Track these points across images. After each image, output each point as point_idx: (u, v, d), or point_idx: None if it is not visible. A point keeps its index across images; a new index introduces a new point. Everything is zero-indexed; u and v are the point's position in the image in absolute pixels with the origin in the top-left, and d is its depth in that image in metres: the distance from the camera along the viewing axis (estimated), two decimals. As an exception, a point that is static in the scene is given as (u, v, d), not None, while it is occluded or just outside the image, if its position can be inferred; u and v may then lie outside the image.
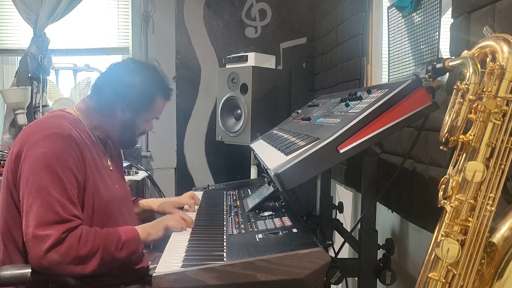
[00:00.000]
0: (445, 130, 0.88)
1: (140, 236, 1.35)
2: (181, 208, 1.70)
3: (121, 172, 1.63)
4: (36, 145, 1.24)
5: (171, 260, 1.12)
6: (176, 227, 1.40)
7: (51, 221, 1.18)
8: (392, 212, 1.74)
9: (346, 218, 2.29)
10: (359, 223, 1.26)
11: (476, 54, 0.91)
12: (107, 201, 1.37)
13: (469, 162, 0.85)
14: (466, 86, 0.86)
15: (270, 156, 1.42)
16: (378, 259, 1.28)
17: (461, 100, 0.87)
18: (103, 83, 1.45)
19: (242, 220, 1.44)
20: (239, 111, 2.64)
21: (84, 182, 1.30)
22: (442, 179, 0.91)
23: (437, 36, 1.60)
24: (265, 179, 1.76)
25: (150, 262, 1.57)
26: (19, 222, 1.26)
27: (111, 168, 1.50)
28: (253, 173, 2.81)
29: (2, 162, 2.46)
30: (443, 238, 0.86)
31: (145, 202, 1.73)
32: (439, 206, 0.90)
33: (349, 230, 1.80)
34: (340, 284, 1.20)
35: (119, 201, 1.45)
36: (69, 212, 1.22)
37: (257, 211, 1.53)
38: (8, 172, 1.29)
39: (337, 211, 1.89)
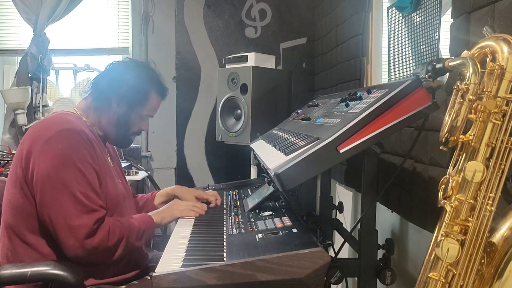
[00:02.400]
0: (445, 130, 0.88)
1: (155, 220, 1.47)
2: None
3: (121, 170, 1.66)
4: (51, 141, 1.27)
5: (171, 260, 1.12)
6: (187, 214, 1.52)
7: (81, 212, 1.24)
8: (392, 212, 1.74)
9: (346, 218, 2.29)
10: (359, 223, 1.26)
11: (476, 54, 0.91)
12: (114, 194, 1.41)
13: (469, 162, 0.85)
14: (466, 86, 0.86)
15: (270, 156, 1.42)
16: (378, 259, 1.28)
17: (461, 100, 0.87)
18: (100, 79, 1.49)
19: (242, 220, 1.44)
20: (239, 111, 2.64)
21: (99, 173, 1.35)
22: (442, 179, 0.92)
23: (437, 36, 1.61)
24: (265, 179, 1.76)
25: (149, 259, 1.57)
26: (30, 216, 1.29)
27: (112, 165, 1.53)
28: (253, 173, 2.81)
29: (1, 162, 2.46)
30: (443, 238, 0.86)
31: (169, 190, 1.78)
32: (439, 206, 0.91)
33: (349, 230, 1.80)
34: (340, 284, 1.20)
35: (124, 196, 1.50)
36: (95, 202, 1.28)
37: (257, 211, 1.53)
38: (18, 168, 1.31)
39: (337, 211, 1.89)
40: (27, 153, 1.28)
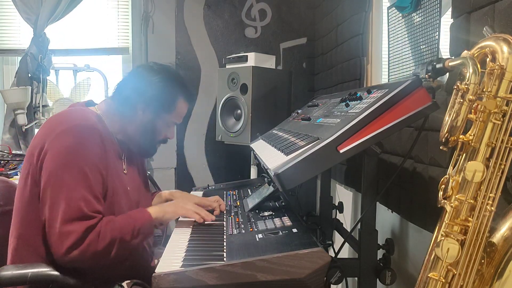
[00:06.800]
0: (445, 130, 0.88)
1: (155, 215, 1.36)
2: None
3: (142, 178, 1.60)
4: (60, 136, 1.24)
5: (171, 259, 1.12)
6: (191, 215, 1.43)
7: (74, 217, 1.19)
8: (392, 212, 1.74)
9: (346, 218, 2.29)
10: (359, 223, 1.26)
11: (476, 54, 0.91)
12: (119, 200, 1.36)
13: (469, 162, 0.85)
14: (466, 86, 0.86)
15: (270, 156, 1.42)
16: (378, 259, 1.28)
17: (461, 100, 0.87)
18: (125, 84, 1.45)
19: (242, 220, 1.44)
20: (239, 111, 2.64)
21: (106, 177, 1.30)
22: (442, 179, 0.92)
23: (437, 36, 1.60)
24: (265, 179, 1.76)
25: (156, 261, 1.56)
26: (35, 219, 1.25)
27: (125, 171, 1.47)
28: (253, 173, 2.81)
29: (1, 162, 2.46)
30: (443, 238, 0.86)
31: (167, 193, 1.71)
32: (439, 206, 0.91)
33: (349, 230, 1.80)
34: (340, 284, 1.20)
35: (132, 204, 1.43)
36: (92, 208, 1.23)
37: (257, 211, 1.53)
38: (29, 165, 1.27)
39: (337, 211, 1.89)
40: (40, 148, 1.24)
